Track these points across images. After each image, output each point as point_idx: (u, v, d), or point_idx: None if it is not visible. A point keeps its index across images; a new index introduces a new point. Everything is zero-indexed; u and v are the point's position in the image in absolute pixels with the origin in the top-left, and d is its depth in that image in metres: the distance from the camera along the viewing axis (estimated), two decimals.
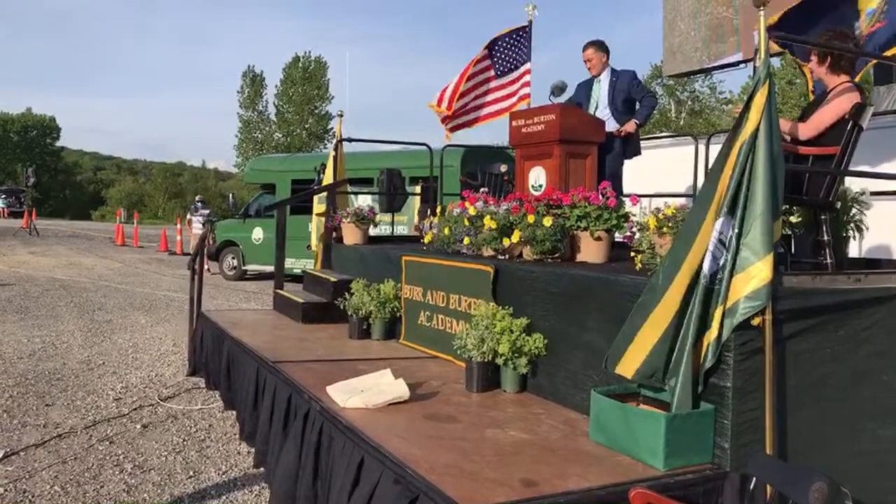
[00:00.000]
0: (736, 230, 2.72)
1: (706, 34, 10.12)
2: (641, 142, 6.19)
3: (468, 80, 7.73)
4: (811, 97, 5.05)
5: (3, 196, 42.53)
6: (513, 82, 7.82)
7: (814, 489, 2.10)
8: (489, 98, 7.86)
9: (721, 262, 2.74)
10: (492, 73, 7.81)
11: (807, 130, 3.55)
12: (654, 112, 6.31)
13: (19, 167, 48.22)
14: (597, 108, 5.94)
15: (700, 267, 2.76)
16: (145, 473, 4.23)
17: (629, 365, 2.88)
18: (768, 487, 2.52)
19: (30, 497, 3.85)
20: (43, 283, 12.68)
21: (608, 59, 5.94)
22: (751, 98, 2.78)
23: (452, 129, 7.89)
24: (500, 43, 7.79)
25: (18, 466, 4.26)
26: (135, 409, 5.49)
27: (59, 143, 63.00)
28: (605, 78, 5.92)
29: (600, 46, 5.93)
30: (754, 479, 2.45)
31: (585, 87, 6.05)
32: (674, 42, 10.62)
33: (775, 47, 6.46)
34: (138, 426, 5.08)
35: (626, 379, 2.94)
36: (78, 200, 58.13)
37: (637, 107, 5.89)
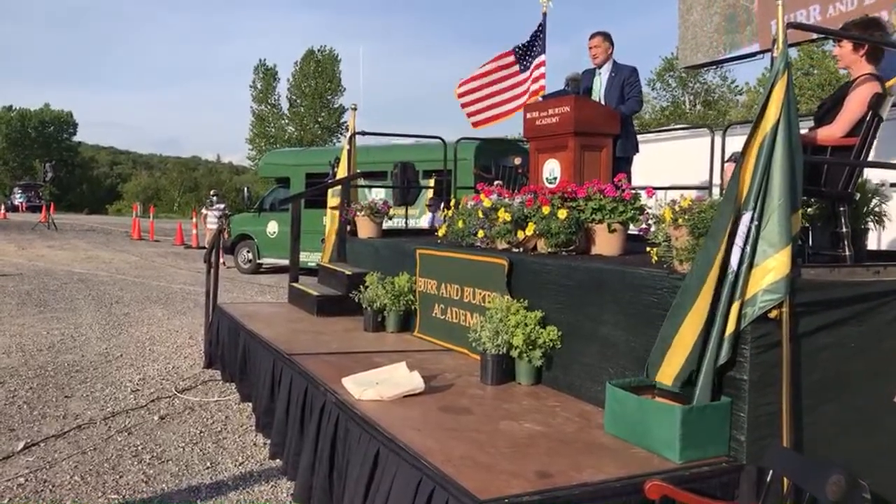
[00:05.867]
0: (755, 222, 2.70)
1: (721, 24, 10.01)
2: (658, 133, 6.14)
3: (489, 75, 7.89)
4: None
5: (22, 191, 42.97)
6: (529, 75, 7.86)
7: (831, 482, 2.08)
8: (515, 92, 7.96)
9: (743, 255, 2.72)
10: (516, 68, 7.93)
11: (839, 130, 3.49)
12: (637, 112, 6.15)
13: (37, 162, 48.74)
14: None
15: (727, 261, 2.75)
16: (163, 464, 4.28)
17: (669, 371, 2.83)
18: (785, 480, 2.51)
19: (50, 487, 3.90)
20: (61, 277, 12.82)
21: (612, 51, 5.88)
22: (770, 90, 2.75)
23: (477, 125, 8.05)
24: (524, 43, 7.92)
25: (39, 457, 4.33)
26: (152, 400, 5.55)
27: (76, 139, 63.62)
28: (605, 71, 5.86)
29: (607, 37, 5.86)
30: (771, 471, 2.44)
31: (589, 77, 6.00)
32: (688, 33, 10.52)
33: (793, 37, 6.38)
34: (156, 417, 5.14)
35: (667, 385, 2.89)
36: (95, 195, 58.68)
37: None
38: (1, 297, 10.25)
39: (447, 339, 4.71)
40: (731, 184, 2.88)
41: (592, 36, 5.91)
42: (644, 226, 4.16)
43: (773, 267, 2.68)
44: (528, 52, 7.94)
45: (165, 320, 8.97)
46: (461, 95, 8.11)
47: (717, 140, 6.41)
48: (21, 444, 4.49)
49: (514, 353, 3.71)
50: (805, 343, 2.83)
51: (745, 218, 2.72)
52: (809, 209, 3.61)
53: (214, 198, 18.29)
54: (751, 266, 2.71)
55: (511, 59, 8.05)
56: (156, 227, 24.91)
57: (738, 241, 2.71)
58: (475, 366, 3.96)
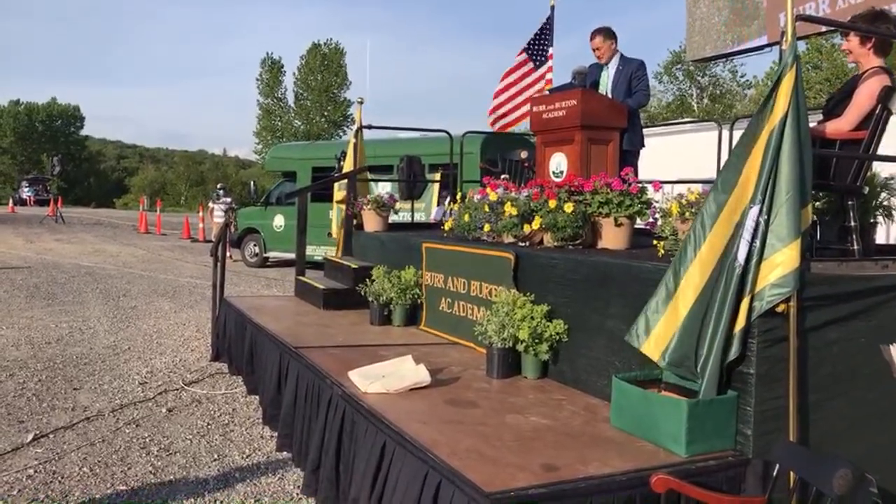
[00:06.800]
0: (764, 216, 2.69)
1: (729, 17, 9.95)
2: (665, 127, 6.11)
3: (512, 84, 8.04)
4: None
5: (30, 185, 43.13)
6: (546, 70, 7.90)
7: (838, 476, 2.08)
8: (535, 89, 8.02)
9: (752, 250, 2.71)
10: (531, 65, 7.99)
11: (848, 124, 3.47)
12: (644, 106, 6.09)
13: (45, 156, 48.91)
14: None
15: (728, 253, 2.74)
16: (171, 456, 4.30)
17: (656, 346, 2.86)
18: (791, 474, 2.50)
19: (59, 478, 3.93)
20: (69, 270, 12.88)
21: (616, 45, 5.80)
22: (777, 83, 2.73)
23: (504, 127, 8.16)
24: (534, 39, 7.96)
25: (48, 448, 4.36)
26: (160, 393, 5.57)
27: (83, 132, 63.79)
28: (612, 66, 5.80)
29: (608, 34, 5.77)
30: (777, 465, 2.44)
31: (596, 70, 5.95)
32: (696, 26, 10.47)
33: (801, 30, 6.34)
34: (163, 410, 5.16)
35: (653, 361, 2.92)
36: (102, 189, 58.87)
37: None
38: (10, 290, 10.32)
39: (453, 333, 4.71)
40: (725, 173, 2.86)
41: (593, 36, 5.82)
42: (651, 220, 4.15)
43: (780, 261, 2.67)
44: (538, 46, 7.97)
45: (172, 313, 9.01)
46: (493, 110, 8.27)
47: (725, 134, 6.39)
48: (30, 436, 4.52)
49: (521, 347, 3.71)
50: (813, 337, 2.83)
51: (753, 212, 2.70)
52: (818, 203, 3.59)
53: (221, 192, 18.33)
54: (759, 261, 2.70)
55: (524, 57, 8.11)
56: (162, 221, 25.00)
57: (746, 235, 2.70)
58: (481, 359, 3.96)
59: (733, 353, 2.71)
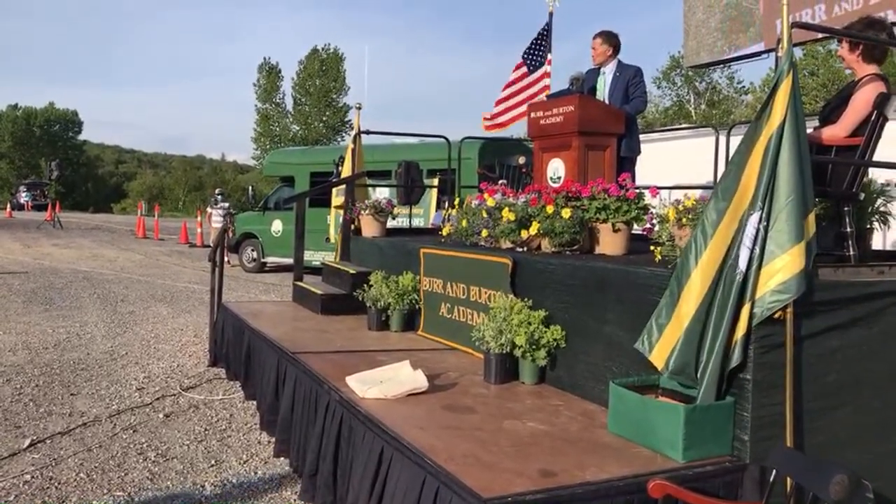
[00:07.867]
0: (764, 223, 2.70)
1: (726, 24, 9.99)
2: (662, 133, 6.12)
3: (508, 88, 8.16)
4: None
5: (28, 189, 43.09)
6: (540, 76, 7.95)
7: (834, 481, 2.08)
8: (527, 93, 8.10)
9: (752, 257, 2.72)
10: (524, 69, 8.07)
11: (844, 130, 3.48)
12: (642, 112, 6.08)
13: (43, 161, 48.92)
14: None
15: (728, 260, 2.75)
16: (168, 462, 4.30)
17: (660, 355, 2.87)
18: (788, 480, 2.51)
19: (56, 484, 3.92)
20: (67, 275, 12.86)
21: (615, 53, 5.79)
22: (774, 90, 2.75)
23: (490, 128, 8.26)
24: (531, 46, 8.04)
25: (45, 454, 4.35)
26: (157, 398, 5.56)
27: (81, 137, 63.79)
28: (609, 71, 5.81)
29: (607, 38, 5.78)
30: (774, 470, 2.44)
31: (594, 76, 5.97)
32: (693, 32, 10.50)
33: (798, 37, 6.37)
34: (161, 415, 5.15)
35: (650, 367, 2.92)
36: (100, 193, 58.82)
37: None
38: (7, 296, 10.30)
39: (451, 338, 4.71)
40: (724, 181, 2.87)
41: (595, 36, 5.88)
42: (648, 225, 4.16)
43: (780, 267, 2.67)
44: (535, 52, 8.03)
45: (170, 319, 8.99)
46: (491, 117, 8.39)
47: (722, 140, 6.41)
48: (27, 442, 4.51)
49: (518, 353, 3.72)
50: (811, 344, 2.83)
51: (753, 219, 2.71)
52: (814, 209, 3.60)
53: (219, 196, 18.32)
54: (760, 267, 2.71)
55: (523, 68, 8.21)
56: (160, 226, 24.95)
57: (747, 242, 2.71)
58: (479, 365, 3.96)
59: (735, 359, 2.70)
